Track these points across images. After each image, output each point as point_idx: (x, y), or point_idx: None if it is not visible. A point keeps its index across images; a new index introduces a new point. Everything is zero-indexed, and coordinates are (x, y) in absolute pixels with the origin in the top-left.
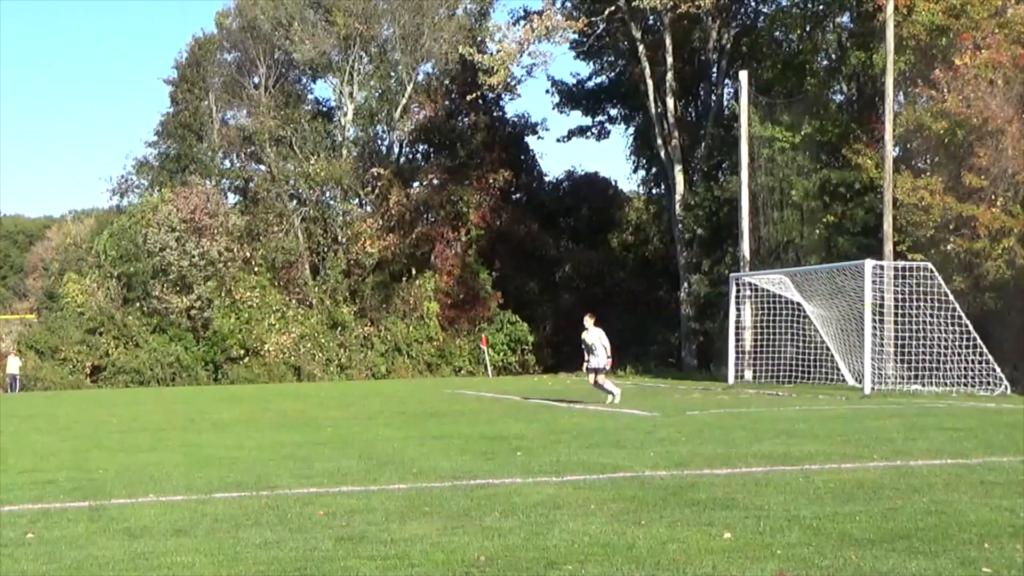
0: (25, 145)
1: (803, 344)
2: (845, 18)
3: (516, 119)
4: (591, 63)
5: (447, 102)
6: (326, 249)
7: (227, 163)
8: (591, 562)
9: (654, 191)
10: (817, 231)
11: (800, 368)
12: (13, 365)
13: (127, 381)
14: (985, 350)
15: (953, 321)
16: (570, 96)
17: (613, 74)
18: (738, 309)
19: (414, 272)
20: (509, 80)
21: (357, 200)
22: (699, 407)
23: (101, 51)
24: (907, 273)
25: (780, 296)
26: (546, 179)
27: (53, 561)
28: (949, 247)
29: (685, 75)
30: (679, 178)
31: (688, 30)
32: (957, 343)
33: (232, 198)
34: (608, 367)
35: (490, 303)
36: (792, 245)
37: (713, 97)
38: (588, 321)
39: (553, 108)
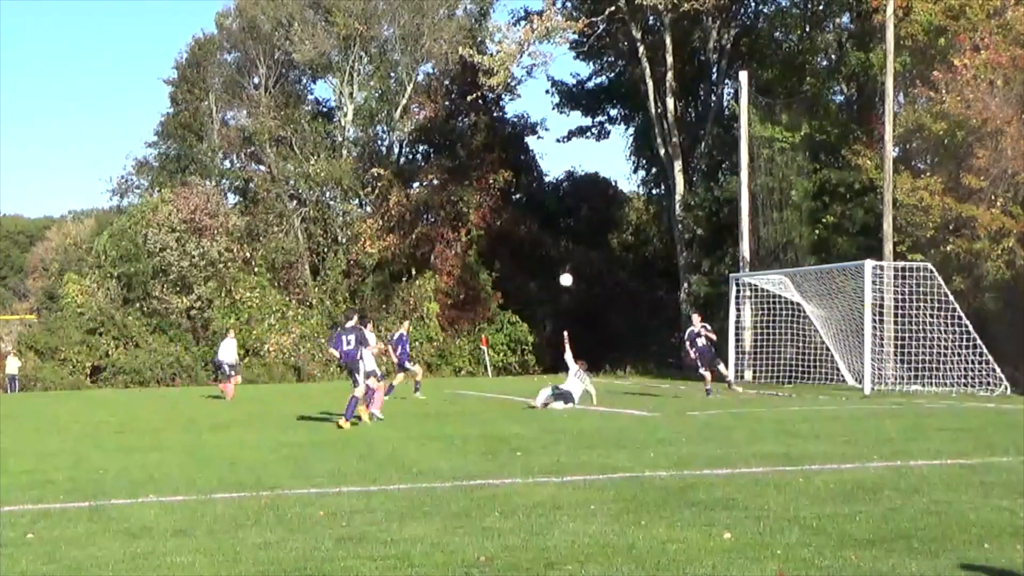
0: (25, 145)
1: (803, 344)
2: (845, 18)
3: (516, 119)
4: (591, 63)
5: (447, 102)
6: (326, 249)
7: (227, 163)
8: (591, 562)
9: (654, 191)
10: (817, 231)
11: (800, 368)
12: (12, 365)
13: (127, 381)
14: (985, 350)
15: (953, 321)
16: (570, 96)
17: (613, 74)
18: (738, 309)
19: (414, 272)
20: (509, 80)
21: (357, 200)
22: (699, 407)
23: (101, 51)
24: (907, 273)
25: (780, 296)
26: (546, 179)
27: (53, 561)
28: (949, 248)
29: (685, 75)
30: (679, 178)
31: (688, 30)
32: (957, 343)
33: (232, 198)
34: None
35: (490, 303)
36: (792, 245)
37: (713, 97)
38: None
39: (553, 108)
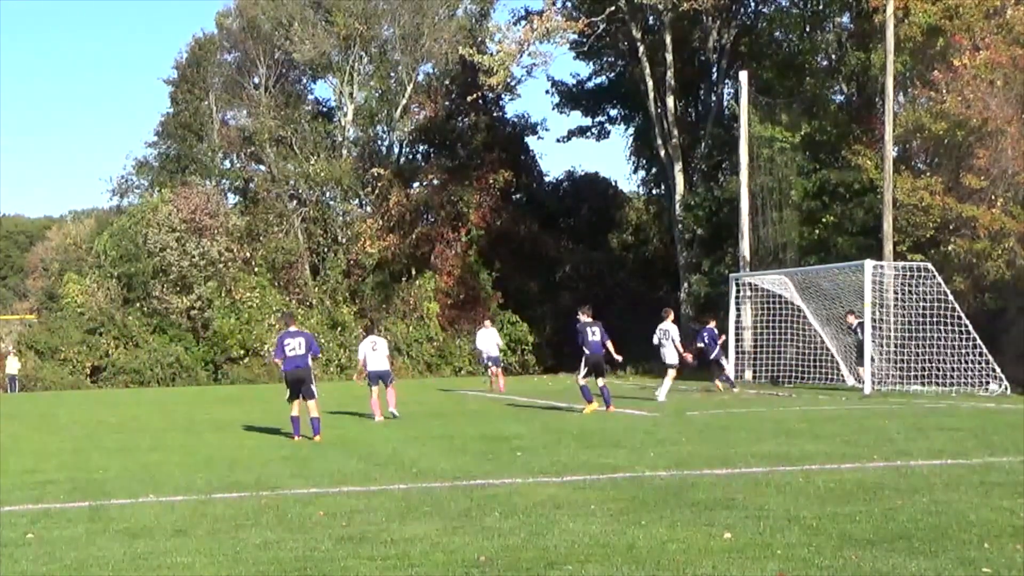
0: (25, 145)
1: (803, 344)
2: (845, 18)
3: (516, 119)
4: (591, 63)
5: (447, 102)
6: (326, 249)
7: (227, 163)
8: (591, 562)
9: (654, 191)
10: (817, 231)
11: (800, 368)
12: (13, 366)
13: (127, 381)
14: (985, 350)
15: (953, 321)
16: (570, 96)
17: (613, 74)
18: (738, 309)
19: (414, 272)
20: (509, 80)
21: (357, 200)
22: (699, 407)
23: (101, 51)
24: (907, 273)
25: (780, 296)
26: (546, 179)
27: (53, 561)
28: (949, 248)
29: (685, 75)
30: (679, 178)
31: (688, 30)
32: (957, 343)
33: (232, 198)
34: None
35: (490, 303)
36: (792, 245)
37: (713, 97)
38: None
39: (553, 108)
